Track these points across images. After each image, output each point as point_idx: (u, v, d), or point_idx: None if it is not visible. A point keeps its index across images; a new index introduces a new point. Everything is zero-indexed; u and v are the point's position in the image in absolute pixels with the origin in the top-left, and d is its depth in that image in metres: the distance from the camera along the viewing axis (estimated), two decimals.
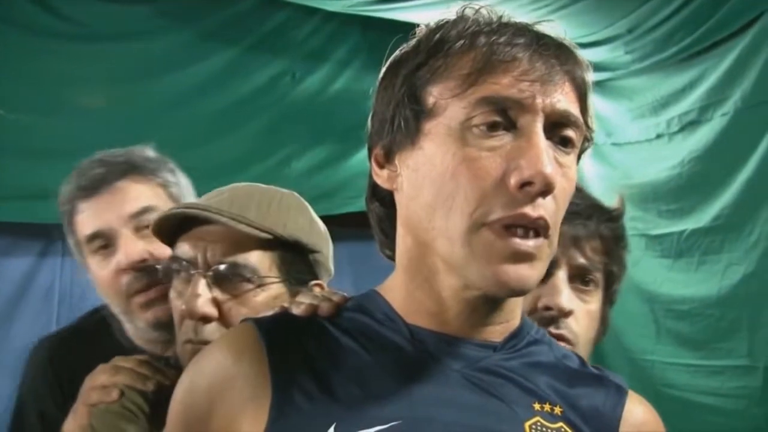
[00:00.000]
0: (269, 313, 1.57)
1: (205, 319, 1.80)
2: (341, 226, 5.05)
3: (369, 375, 1.37)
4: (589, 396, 1.47)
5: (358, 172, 4.85)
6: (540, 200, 1.29)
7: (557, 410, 1.41)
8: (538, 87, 1.30)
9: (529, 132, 1.29)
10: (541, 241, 1.31)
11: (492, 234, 1.29)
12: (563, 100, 1.32)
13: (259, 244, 1.86)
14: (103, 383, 1.91)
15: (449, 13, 1.43)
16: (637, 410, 1.50)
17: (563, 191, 1.33)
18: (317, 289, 1.90)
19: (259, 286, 1.84)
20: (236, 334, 1.46)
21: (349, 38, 5.16)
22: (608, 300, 1.96)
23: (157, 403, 1.84)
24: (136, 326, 2.27)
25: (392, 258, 1.51)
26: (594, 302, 1.90)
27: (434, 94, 1.34)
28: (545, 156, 1.28)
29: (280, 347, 1.40)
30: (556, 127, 1.32)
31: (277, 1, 4.90)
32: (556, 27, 1.41)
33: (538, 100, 1.30)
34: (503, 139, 1.30)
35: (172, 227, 1.89)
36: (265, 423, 1.32)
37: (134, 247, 2.23)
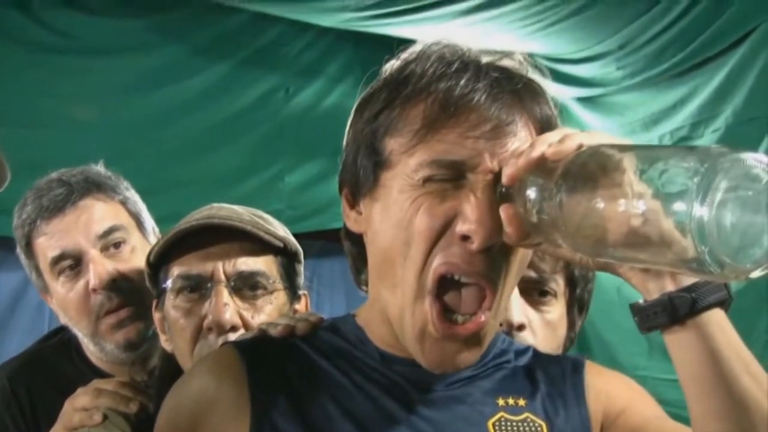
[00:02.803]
0: (247, 335, 1.63)
1: (234, 329, 1.81)
2: (333, 240, 5.08)
3: (344, 395, 1.40)
4: (549, 378, 1.50)
5: None
6: (481, 256, 1.30)
7: (521, 402, 1.45)
8: (484, 143, 1.29)
9: (476, 188, 1.29)
10: (478, 324, 1.33)
11: (429, 312, 1.32)
12: (515, 147, 1.31)
13: (270, 252, 1.89)
14: (84, 406, 1.87)
15: (417, 46, 1.42)
16: (600, 379, 1.53)
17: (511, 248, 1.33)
18: (302, 301, 1.97)
19: (271, 293, 1.87)
20: (218, 357, 1.48)
21: (342, 54, 5.18)
22: (576, 304, 1.94)
23: (140, 425, 1.84)
24: (103, 349, 2.23)
25: (365, 290, 1.54)
26: (554, 311, 1.88)
27: (389, 147, 1.35)
28: (486, 215, 1.27)
29: (260, 369, 1.42)
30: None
31: (271, 17, 4.90)
32: (522, 59, 1.40)
33: (486, 160, 1.29)
34: (453, 189, 1.30)
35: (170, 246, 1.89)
36: None
37: (104, 267, 2.20)
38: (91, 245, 2.21)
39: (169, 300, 1.88)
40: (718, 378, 1.20)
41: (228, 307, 1.81)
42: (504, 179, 1.26)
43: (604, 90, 5.13)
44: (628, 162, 1.10)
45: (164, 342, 1.94)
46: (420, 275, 1.32)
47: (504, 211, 1.26)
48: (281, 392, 1.39)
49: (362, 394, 1.40)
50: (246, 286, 1.85)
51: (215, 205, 1.95)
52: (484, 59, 1.37)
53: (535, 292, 1.85)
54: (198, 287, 1.85)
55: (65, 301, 2.24)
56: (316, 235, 4.72)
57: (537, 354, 1.57)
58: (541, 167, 1.21)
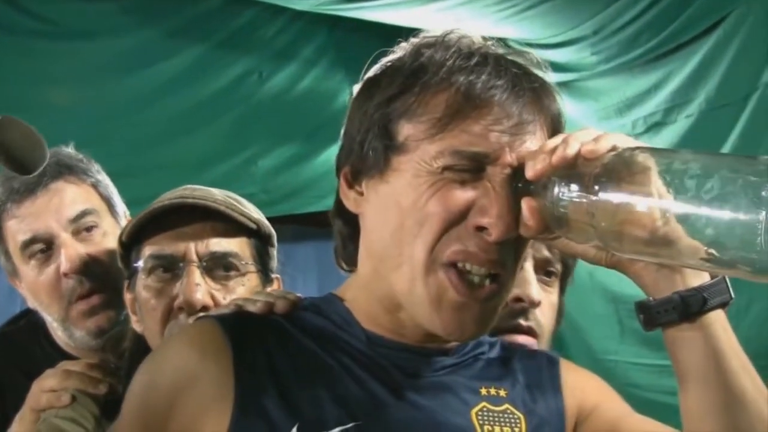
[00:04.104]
0: (222, 310, 1.59)
1: (204, 310, 1.80)
2: (307, 224, 5.08)
3: (329, 376, 1.38)
4: (526, 371, 1.53)
5: (323, 171, 4.84)
6: (496, 247, 1.32)
7: (502, 392, 1.46)
8: (508, 139, 1.32)
9: (495, 182, 1.32)
10: (493, 288, 1.35)
11: (446, 279, 1.33)
12: (533, 148, 1.34)
13: (243, 234, 1.90)
14: (52, 387, 1.87)
15: (432, 34, 1.42)
16: (574, 375, 1.57)
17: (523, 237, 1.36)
18: (275, 284, 1.96)
19: (244, 275, 1.87)
20: (199, 331, 1.44)
21: (316, 37, 5.14)
22: (563, 291, 1.98)
23: (109, 406, 1.83)
24: (72, 335, 2.21)
25: (348, 270, 1.54)
26: (554, 293, 1.93)
27: (405, 132, 1.36)
28: (505, 209, 1.30)
29: (244, 346, 1.39)
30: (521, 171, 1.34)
31: (245, 0, 4.88)
32: (533, 57, 1.43)
33: (507, 154, 1.32)
34: (471, 180, 1.33)
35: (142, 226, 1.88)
36: (228, 423, 1.32)
37: (76, 250, 2.17)
38: (62, 229, 2.19)
39: (141, 280, 1.88)
40: (720, 374, 1.28)
41: (199, 288, 1.81)
42: (530, 173, 1.29)
43: (578, 75, 5.14)
44: (665, 166, 1.15)
45: (135, 323, 1.94)
46: (430, 252, 1.32)
47: (527, 205, 1.29)
48: (266, 371, 1.37)
49: (349, 377, 1.39)
50: (218, 266, 1.85)
51: (189, 186, 1.95)
52: (502, 54, 1.39)
53: (542, 271, 1.88)
54: (170, 267, 1.85)
55: (36, 286, 2.22)
56: (289, 219, 4.71)
57: (506, 347, 1.58)
58: (570, 164, 1.25)
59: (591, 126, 4.85)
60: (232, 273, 1.86)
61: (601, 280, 4.84)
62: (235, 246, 1.88)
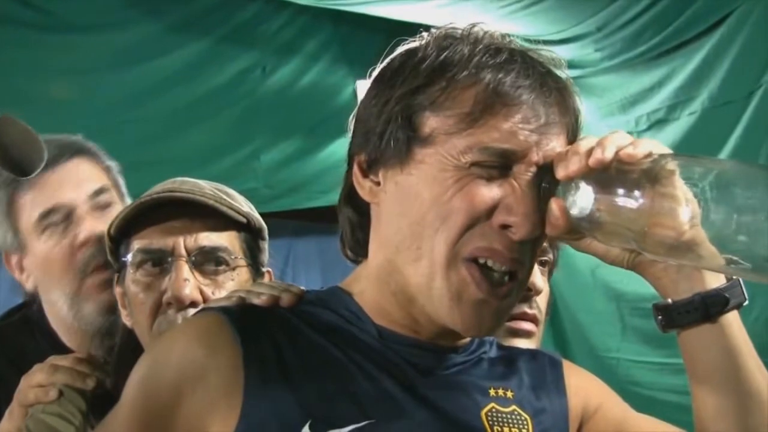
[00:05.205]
0: (224, 302, 1.55)
1: (193, 305, 1.78)
2: (309, 220, 5.08)
3: (340, 372, 1.35)
4: (530, 372, 1.52)
5: (326, 166, 4.84)
6: (518, 245, 1.32)
7: (509, 394, 1.45)
8: (536, 138, 1.32)
9: (521, 180, 1.32)
10: (512, 286, 1.35)
11: (468, 275, 1.32)
12: (557, 148, 1.34)
13: (233, 227, 1.88)
14: (40, 382, 1.85)
15: (456, 27, 1.41)
16: (576, 376, 1.57)
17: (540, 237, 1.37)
18: (266, 277, 1.93)
19: (234, 269, 1.85)
20: (206, 324, 1.39)
21: (319, 32, 5.15)
22: (549, 278, 2.03)
23: (97, 401, 1.82)
24: (79, 312, 2.18)
25: (354, 261, 1.51)
26: (547, 282, 1.97)
27: (431, 125, 1.34)
28: (531, 208, 1.31)
29: (253, 340, 1.35)
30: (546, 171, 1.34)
31: None
32: (555, 56, 1.44)
33: (534, 153, 1.32)
34: (498, 177, 1.32)
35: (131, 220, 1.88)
36: (237, 418, 1.29)
37: (94, 224, 2.17)
38: (82, 202, 2.19)
39: (130, 274, 1.86)
40: (737, 374, 1.31)
41: (188, 283, 1.79)
42: (562, 174, 1.29)
43: (581, 72, 5.14)
44: (704, 172, 1.19)
45: (124, 317, 1.92)
46: (452, 247, 1.31)
47: (557, 205, 1.29)
48: (275, 366, 1.33)
49: (361, 373, 1.35)
50: (207, 261, 1.84)
51: (178, 179, 1.94)
52: (527, 51, 1.39)
53: (538, 261, 1.90)
54: (158, 262, 1.83)
55: (49, 258, 2.20)
56: (291, 214, 4.72)
57: (502, 346, 1.58)
58: (606, 168, 1.27)
59: (594, 122, 4.87)
60: (222, 267, 1.84)
61: (604, 278, 4.84)
62: (225, 240, 1.86)
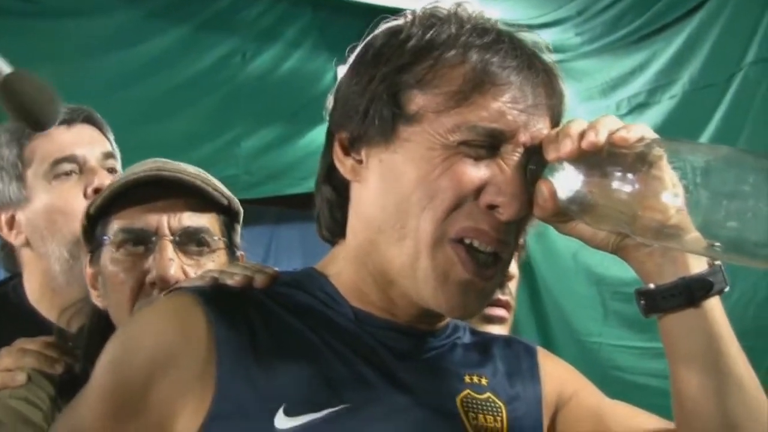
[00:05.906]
0: (197, 282, 1.53)
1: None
2: (290, 206, 5.08)
3: (316, 356, 1.34)
4: (505, 358, 1.53)
5: (308, 152, 4.83)
6: (505, 226, 1.32)
7: (484, 381, 1.46)
8: (524, 118, 1.32)
9: (509, 161, 1.32)
10: (497, 268, 1.35)
11: (455, 255, 1.32)
12: (544, 130, 1.34)
13: (214, 209, 1.88)
14: (7, 366, 1.82)
15: (440, 7, 1.40)
16: (551, 364, 1.59)
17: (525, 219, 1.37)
18: (241, 260, 1.92)
19: (214, 251, 1.85)
20: (178, 305, 1.36)
21: (299, 18, 5.13)
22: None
23: (65, 386, 1.79)
24: (75, 266, 2.14)
25: (330, 241, 1.50)
26: (516, 268, 1.98)
27: (417, 103, 1.33)
28: (519, 189, 1.31)
29: (227, 322, 1.32)
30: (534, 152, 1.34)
31: None
32: (538, 38, 1.45)
33: (522, 133, 1.32)
34: (485, 157, 1.32)
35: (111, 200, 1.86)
36: (210, 402, 1.27)
37: (107, 176, 2.21)
38: (95, 160, 2.24)
39: (108, 253, 1.84)
40: (719, 358, 1.31)
41: (173, 263, 1.79)
42: (553, 156, 1.29)
43: (562, 56, 5.14)
44: (692, 157, 1.20)
45: (96, 298, 1.89)
46: (439, 226, 1.31)
47: (546, 187, 1.29)
48: (249, 349, 1.31)
49: (337, 357, 1.34)
50: (191, 242, 1.83)
51: (159, 159, 1.93)
52: (514, 32, 1.40)
53: None
54: (141, 241, 1.82)
55: (54, 206, 2.21)
56: (272, 200, 4.71)
57: (475, 332, 1.58)
58: (598, 151, 1.27)
59: (574, 107, 4.87)
60: (204, 249, 1.84)
61: (585, 262, 4.85)
62: (207, 221, 1.85)
